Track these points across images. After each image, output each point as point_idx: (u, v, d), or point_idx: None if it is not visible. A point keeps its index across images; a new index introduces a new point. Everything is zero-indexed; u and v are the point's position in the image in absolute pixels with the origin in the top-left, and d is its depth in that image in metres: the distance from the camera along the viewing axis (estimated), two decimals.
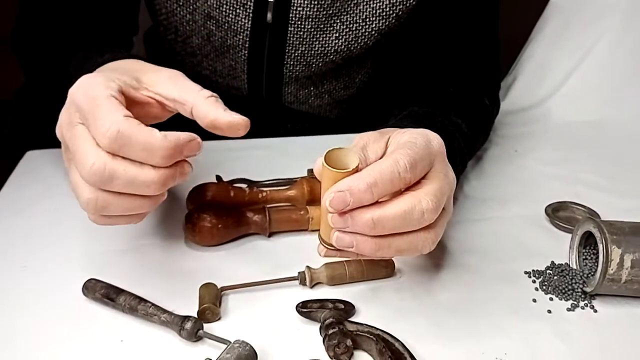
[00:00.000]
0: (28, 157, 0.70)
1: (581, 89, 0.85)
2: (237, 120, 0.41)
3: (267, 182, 0.63)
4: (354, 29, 0.67)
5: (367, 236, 0.38)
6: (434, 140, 0.42)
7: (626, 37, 0.85)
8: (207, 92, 0.42)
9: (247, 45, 0.68)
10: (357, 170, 0.38)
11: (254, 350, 0.39)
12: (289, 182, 0.62)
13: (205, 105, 0.41)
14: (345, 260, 0.49)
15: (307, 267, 0.49)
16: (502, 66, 0.94)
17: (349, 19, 0.66)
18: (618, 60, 0.85)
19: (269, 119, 0.77)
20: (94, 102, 0.38)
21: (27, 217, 0.58)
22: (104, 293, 0.45)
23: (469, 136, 0.61)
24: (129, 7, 0.71)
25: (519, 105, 0.87)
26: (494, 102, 0.74)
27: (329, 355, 0.41)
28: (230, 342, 0.40)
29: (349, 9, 0.66)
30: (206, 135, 0.75)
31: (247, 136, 0.76)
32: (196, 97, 0.41)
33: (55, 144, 0.70)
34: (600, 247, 0.46)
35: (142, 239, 0.54)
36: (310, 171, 0.63)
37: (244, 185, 0.59)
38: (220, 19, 0.66)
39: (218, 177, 0.62)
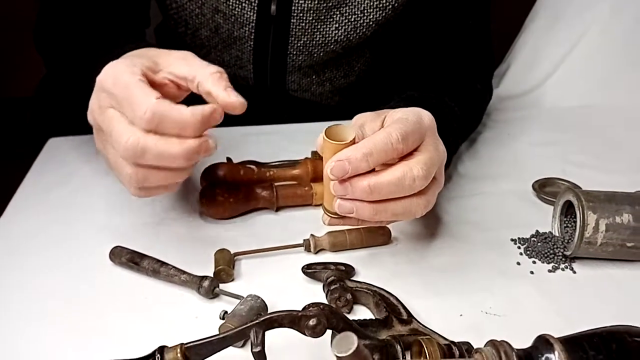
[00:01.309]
0: (50, 144, 0.76)
1: (571, 76, 0.89)
2: (233, 102, 0.44)
3: (274, 163, 0.68)
4: (352, 20, 0.71)
5: (365, 202, 0.43)
6: (425, 116, 0.47)
7: (614, 27, 0.89)
8: (213, 68, 0.45)
9: (252, 37, 0.73)
10: (354, 142, 0.43)
11: (265, 303, 0.44)
12: (294, 163, 0.67)
13: (208, 82, 0.44)
14: (346, 229, 0.54)
15: (312, 235, 0.54)
16: (496, 55, 0.98)
17: (347, 11, 0.71)
18: (606, 49, 0.89)
19: (274, 106, 0.82)
20: (126, 88, 0.43)
21: (53, 197, 0.63)
22: (129, 258, 0.51)
23: (461, 118, 0.66)
24: (140, 2, 0.76)
25: (512, 92, 0.91)
26: (487, 88, 0.78)
27: None
28: (244, 297, 0.45)
29: (347, 1, 0.70)
30: (215, 126, 0.80)
31: (254, 123, 0.82)
32: (202, 73, 0.45)
33: (75, 132, 0.75)
34: (578, 213, 0.50)
35: (161, 213, 0.59)
36: (314, 153, 0.68)
37: (252, 166, 0.64)
38: (227, 12, 0.71)
39: (228, 159, 0.67)
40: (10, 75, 1.73)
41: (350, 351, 0.24)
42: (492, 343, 0.28)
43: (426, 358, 0.33)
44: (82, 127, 0.75)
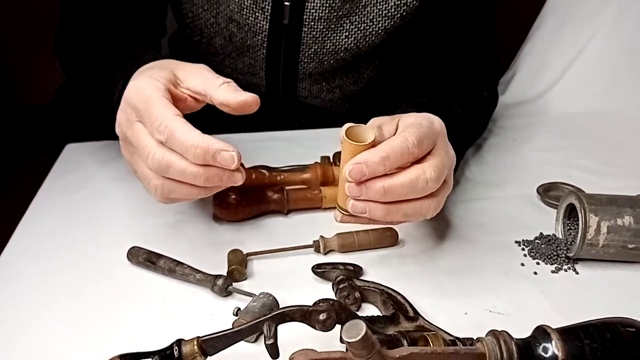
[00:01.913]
0: (68, 150, 0.78)
1: (576, 83, 0.90)
2: (246, 99, 0.46)
3: (284, 168, 0.70)
4: (362, 28, 0.74)
5: (378, 203, 0.45)
6: (436, 121, 0.49)
7: (618, 33, 0.90)
8: (220, 80, 0.48)
9: (265, 45, 0.75)
10: (373, 144, 0.45)
11: (276, 300, 0.46)
12: (304, 168, 0.69)
13: (220, 94, 0.47)
14: (354, 231, 0.56)
15: (321, 236, 0.55)
16: (502, 62, 1.00)
17: (357, 20, 0.73)
18: (611, 55, 0.90)
19: (285, 112, 0.84)
20: (147, 102, 0.45)
21: (71, 201, 0.65)
22: (146, 257, 0.53)
23: (468, 124, 0.68)
24: (158, 12, 0.79)
25: (518, 99, 0.92)
26: (492, 95, 0.80)
27: None
28: (256, 295, 0.47)
29: (357, 10, 0.73)
30: (229, 128, 0.82)
31: (266, 128, 0.84)
32: (212, 86, 0.47)
33: (92, 137, 0.78)
34: (580, 215, 0.52)
35: (176, 216, 0.61)
36: (323, 158, 0.70)
37: (263, 170, 0.66)
38: (241, 21, 0.73)
39: (241, 164, 0.69)
40: (27, 83, 1.78)
41: (359, 337, 0.25)
42: (492, 333, 0.29)
43: None
44: (99, 134, 0.79)
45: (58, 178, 0.71)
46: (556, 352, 0.27)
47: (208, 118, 0.85)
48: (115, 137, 0.79)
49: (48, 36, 0.81)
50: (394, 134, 0.47)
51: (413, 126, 0.46)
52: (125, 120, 0.48)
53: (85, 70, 0.71)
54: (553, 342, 0.28)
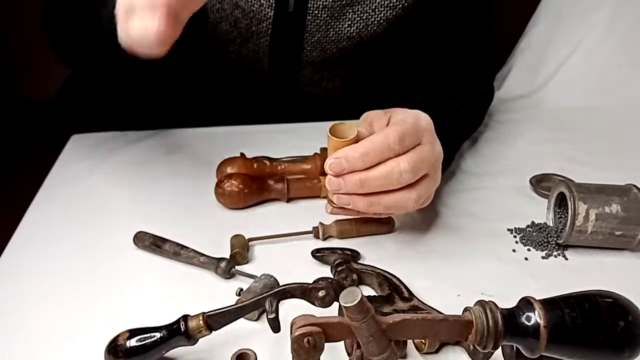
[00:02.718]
0: (74, 140, 0.80)
1: (572, 79, 0.92)
2: None
3: (285, 159, 0.72)
4: (364, 17, 0.75)
5: (360, 195, 0.47)
6: (423, 119, 0.51)
7: (614, 31, 0.92)
8: None
9: (269, 32, 0.77)
10: (356, 140, 0.47)
11: (277, 281, 0.48)
12: (304, 158, 0.71)
13: None
14: (353, 218, 0.58)
15: (320, 223, 0.57)
16: (499, 57, 1.02)
17: (360, 9, 0.75)
18: (606, 52, 0.92)
19: (286, 101, 0.86)
20: None
21: (78, 189, 0.67)
22: (152, 242, 0.55)
23: (464, 118, 0.70)
24: None
25: (514, 94, 0.94)
26: (489, 90, 0.82)
27: None
28: (258, 277, 0.49)
29: (360, 0, 0.75)
30: (230, 120, 0.84)
31: (267, 117, 0.85)
32: None
33: (97, 129, 0.80)
34: (569, 203, 0.54)
35: (180, 204, 0.63)
36: (322, 149, 0.72)
37: (265, 160, 0.68)
38: (246, 8, 0.75)
39: (242, 154, 0.71)
40: (29, 78, 1.79)
41: (355, 302, 0.27)
42: (480, 302, 0.31)
43: None
44: (104, 125, 0.81)
45: (64, 167, 0.73)
46: (538, 320, 0.29)
47: (211, 109, 0.87)
48: (121, 128, 0.81)
49: None
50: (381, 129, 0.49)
51: (397, 123, 0.48)
52: None
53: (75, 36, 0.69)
54: (536, 311, 0.30)
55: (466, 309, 0.31)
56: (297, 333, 0.30)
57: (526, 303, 0.31)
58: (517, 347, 0.34)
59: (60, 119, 0.87)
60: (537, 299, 0.31)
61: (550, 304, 0.30)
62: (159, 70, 0.61)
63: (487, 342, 0.30)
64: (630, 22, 0.90)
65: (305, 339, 0.29)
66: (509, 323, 0.30)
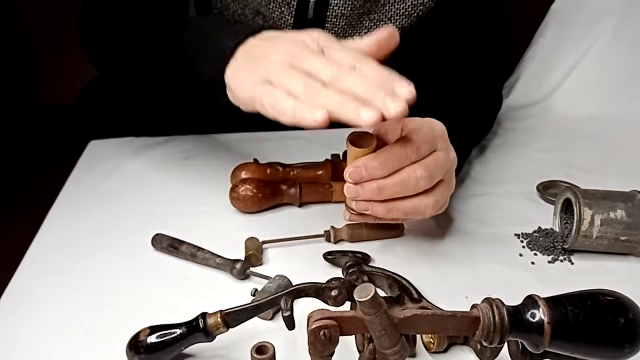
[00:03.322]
0: (92, 146, 0.83)
1: (578, 88, 0.94)
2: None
3: (298, 164, 0.74)
4: (380, 26, 0.78)
5: (378, 201, 0.48)
6: (437, 126, 0.52)
7: (620, 40, 0.94)
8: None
9: None
10: (375, 149, 0.48)
11: (291, 282, 0.50)
12: (316, 164, 0.72)
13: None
14: (363, 222, 0.59)
15: (332, 226, 0.59)
16: (508, 66, 1.04)
17: (376, 18, 0.77)
18: (612, 61, 0.94)
19: None
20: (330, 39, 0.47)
21: (97, 192, 0.70)
22: (169, 244, 0.57)
23: (474, 126, 0.72)
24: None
25: (521, 102, 0.96)
26: (497, 99, 0.84)
27: None
28: (272, 277, 0.51)
29: (377, 9, 0.77)
30: (245, 127, 0.86)
31: (279, 128, 0.87)
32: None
33: (115, 135, 0.82)
34: (575, 209, 0.55)
35: (195, 207, 0.65)
36: (333, 155, 0.74)
37: (278, 166, 0.70)
38: (267, 14, 0.78)
39: (255, 160, 0.73)
40: (46, 84, 1.83)
41: (369, 297, 0.29)
42: (487, 300, 0.33)
43: None
44: (122, 131, 0.83)
45: (83, 172, 0.75)
46: (542, 317, 0.31)
47: (226, 116, 0.89)
48: (137, 134, 0.83)
49: (67, 37, 0.85)
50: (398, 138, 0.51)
51: (413, 132, 0.49)
52: (300, 46, 0.47)
53: (118, 51, 0.73)
54: (540, 308, 0.31)
55: (474, 306, 0.33)
56: (313, 326, 0.31)
57: (531, 301, 0.32)
58: (522, 345, 0.35)
59: (79, 125, 0.90)
60: (537, 294, 0.33)
61: (554, 302, 0.32)
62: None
63: (494, 337, 0.31)
64: (635, 31, 0.92)
65: (322, 332, 0.31)
66: (515, 319, 0.32)
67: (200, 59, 0.55)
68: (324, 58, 0.46)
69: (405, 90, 0.43)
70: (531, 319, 0.31)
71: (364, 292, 0.29)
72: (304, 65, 0.46)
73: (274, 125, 0.88)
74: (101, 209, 0.66)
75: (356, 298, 0.29)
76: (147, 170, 0.74)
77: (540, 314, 0.31)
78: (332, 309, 0.41)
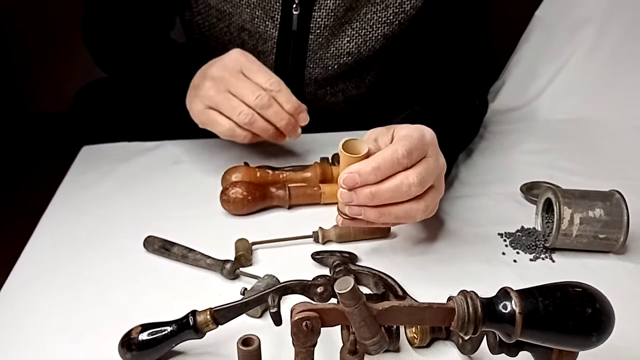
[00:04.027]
0: (85, 151, 0.84)
1: (561, 92, 0.96)
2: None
3: (287, 167, 0.75)
4: (362, 34, 0.80)
5: (371, 206, 0.50)
6: (427, 133, 0.54)
7: (601, 46, 0.96)
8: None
9: (274, 51, 0.81)
10: (367, 155, 0.50)
11: (279, 281, 0.51)
12: (305, 167, 0.74)
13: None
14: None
15: (320, 227, 0.61)
16: (493, 71, 1.06)
17: (358, 26, 0.79)
18: (594, 66, 0.96)
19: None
20: (255, 63, 0.66)
21: (90, 196, 0.71)
22: (161, 245, 0.58)
23: (460, 132, 0.73)
24: (170, 11, 0.87)
25: (507, 106, 0.98)
26: (483, 104, 0.86)
27: None
28: (261, 277, 0.52)
29: (358, 17, 0.79)
30: None
31: None
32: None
33: (108, 140, 0.84)
34: (555, 208, 0.57)
35: (186, 210, 0.67)
36: (322, 159, 0.75)
37: (267, 169, 0.72)
38: (252, 30, 0.80)
39: (246, 163, 0.74)
40: (40, 91, 1.84)
41: (348, 289, 0.31)
42: (462, 292, 0.35)
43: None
44: (115, 136, 0.85)
45: (76, 176, 0.76)
46: (514, 308, 0.32)
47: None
48: (130, 139, 0.85)
49: (61, 44, 0.87)
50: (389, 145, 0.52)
51: (404, 138, 0.51)
52: (229, 68, 0.65)
53: (118, 62, 0.83)
54: (512, 300, 0.33)
55: (450, 298, 0.34)
56: (296, 317, 0.33)
57: (504, 293, 0.34)
58: (499, 338, 0.37)
59: (72, 131, 0.91)
60: (514, 289, 0.34)
61: (526, 293, 0.33)
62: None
63: (468, 327, 0.33)
64: (616, 38, 0.94)
65: (304, 323, 0.32)
66: (488, 310, 0.33)
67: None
68: (243, 82, 0.64)
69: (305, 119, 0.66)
70: (503, 310, 0.33)
71: (343, 284, 0.31)
72: (230, 89, 0.64)
73: None
74: (94, 212, 0.67)
75: (336, 290, 0.31)
76: (139, 174, 0.76)
77: (512, 305, 0.33)
78: None
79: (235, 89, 0.63)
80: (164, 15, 0.85)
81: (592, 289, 0.34)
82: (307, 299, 0.43)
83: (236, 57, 0.66)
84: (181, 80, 0.71)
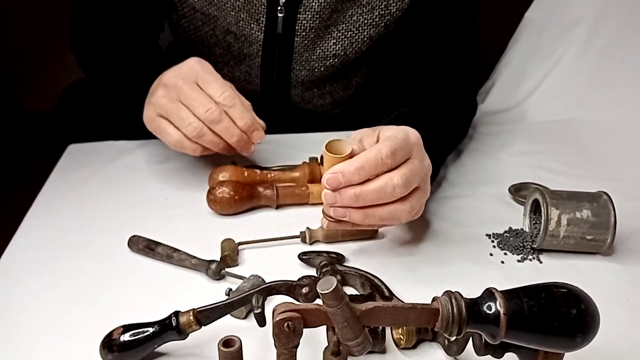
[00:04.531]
0: (71, 150, 0.83)
1: (551, 93, 0.96)
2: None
3: (275, 167, 0.75)
4: (348, 36, 0.79)
5: (356, 208, 0.49)
6: (412, 134, 0.53)
7: (591, 48, 0.96)
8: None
9: (260, 54, 0.81)
10: (350, 156, 0.49)
11: (265, 282, 0.51)
12: (293, 167, 0.73)
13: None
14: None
15: (307, 227, 0.60)
16: (482, 73, 1.06)
17: (344, 28, 0.79)
18: (584, 68, 0.96)
19: (279, 117, 0.89)
20: (210, 73, 0.64)
21: (75, 195, 0.70)
22: (145, 245, 0.57)
23: (448, 133, 0.73)
24: (157, 16, 0.86)
25: (496, 107, 0.98)
26: (472, 105, 0.85)
27: None
28: (246, 277, 0.52)
29: (344, 19, 0.78)
30: None
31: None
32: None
33: (95, 139, 0.83)
34: (542, 209, 0.57)
35: (172, 209, 0.66)
36: (311, 159, 0.75)
37: (255, 169, 0.71)
38: (237, 32, 0.79)
39: (233, 163, 0.74)
40: (27, 90, 1.82)
41: (331, 289, 0.30)
42: (446, 292, 0.34)
43: None
44: (102, 135, 0.84)
45: (62, 175, 0.75)
46: (498, 309, 0.32)
47: None
48: (117, 138, 0.84)
49: (49, 43, 0.86)
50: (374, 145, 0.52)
51: (389, 139, 0.50)
52: (183, 76, 0.63)
53: (103, 64, 0.82)
54: (497, 300, 0.33)
55: (434, 299, 0.34)
56: (278, 318, 0.32)
57: (489, 293, 0.34)
58: (485, 339, 0.36)
59: (58, 130, 0.90)
60: (499, 289, 0.34)
61: (511, 294, 0.33)
62: None
63: (452, 328, 0.33)
64: (606, 39, 0.95)
65: (286, 324, 0.32)
66: (472, 311, 0.33)
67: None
68: (195, 93, 0.62)
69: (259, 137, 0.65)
70: (488, 311, 0.32)
71: (326, 284, 0.30)
72: (181, 99, 0.62)
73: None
74: (79, 212, 0.66)
75: (319, 290, 0.30)
76: (125, 173, 0.75)
77: (496, 306, 0.32)
78: None
79: (187, 99, 0.61)
80: (151, 19, 0.84)
81: (577, 290, 0.34)
82: (293, 300, 0.43)
83: (192, 66, 0.64)
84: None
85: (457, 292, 0.34)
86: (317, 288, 0.30)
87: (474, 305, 0.33)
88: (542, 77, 0.98)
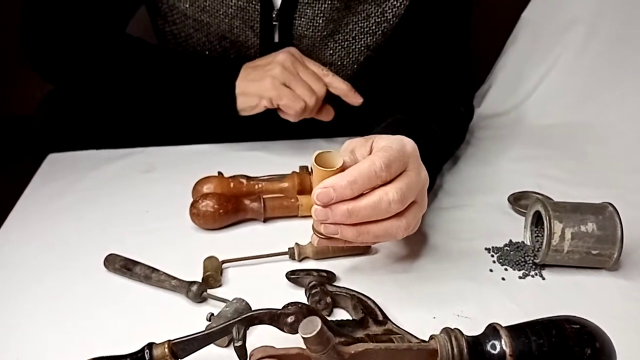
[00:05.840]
0: (50, 159, 0.79)
1: (549, 96, 0.93)
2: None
3: (263, 177, 0.71)
4: (345, 46, 0.76)
5: (348, 224, 0.46)
6: (408, 144, 0.49)
7: (589, 48, 0.94)
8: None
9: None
10: (342, 169, 0.46)
11: (249, 305, 0.47)
12: (282, 177, 0.70)
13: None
14: None
15: (296, 243, 0.57)
16: (479, 75, 1.03)
17: (341, 38, 0.76)
18: (581, 70, 0.93)
19: (275, 123, 0.86)
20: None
21: (52, 208, 0.66)
22: (123, 264, 0.53)
23: (444, 141, 0.70)
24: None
25: (493, 111, 0.95)
26: (469, 110, 0.82)
27: None
28: (230, 301, 0.48)
29: (340, 28, 0.75)
30: (207, 138, 0.84)
31: (249, 139, 0.85)
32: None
33: (74, 148, 0.79)
34: (545, 222, 0.54)
35: (153, 223, 0.62)
36: (301, 168, 0.71)
37: (242, 179, 0.68)
38: (232, 39, 0.76)
39: (219, 173, 0.70)
40: (7, 94, 1.77)
41: (315, 332, 0.27)
42: (445, 330, 0.31)
43: None
44: (82, 143, 0.80)
45: (40, 186, 0.72)
46: (504, 348, 0.29)
47: (192, 128, 0.87)
48: (97, 147, 0.80)
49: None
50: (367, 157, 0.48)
51: (383, 150, 0.46)
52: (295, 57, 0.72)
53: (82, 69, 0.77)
54: (502, 339, 0.29)
55: (432, 337, 0.31)
56: None
57: (492, 330, 0.30)
58: None
59: (38, 137, 0.86)
60: (503, 325, 0.31)
61: (517, 331, 0.30)
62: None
63: None
64: (604, 40, 0.92)
65: None
66: (475, 351, 0.29)
67: (208, 100, 0.75)
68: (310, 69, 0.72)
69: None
70: (492, 351, 0.29)
71: (309, 327, 0.27)
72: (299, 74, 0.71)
73: (249, 136, 0.86)
74: (55, 227, 0.62)
75: (301, 334, 0.27)
76: (105, 184, 0.71)
77: (502, 345, 0.29)
78: (288, 336, 0.38)
79: (305, 76, 0.71)
80: (118, 10, 0.79)
81: (591, 326, 0.30)
82: (277, 329, 0.39)
83: (294, 51, 0.73)
84: (164, 80, 0.71)
85: (457, 329, 0.31)
86: (299, 330, 0.27)
87: (476, 344, 0.30)
88: (540, 78, 0.95)
